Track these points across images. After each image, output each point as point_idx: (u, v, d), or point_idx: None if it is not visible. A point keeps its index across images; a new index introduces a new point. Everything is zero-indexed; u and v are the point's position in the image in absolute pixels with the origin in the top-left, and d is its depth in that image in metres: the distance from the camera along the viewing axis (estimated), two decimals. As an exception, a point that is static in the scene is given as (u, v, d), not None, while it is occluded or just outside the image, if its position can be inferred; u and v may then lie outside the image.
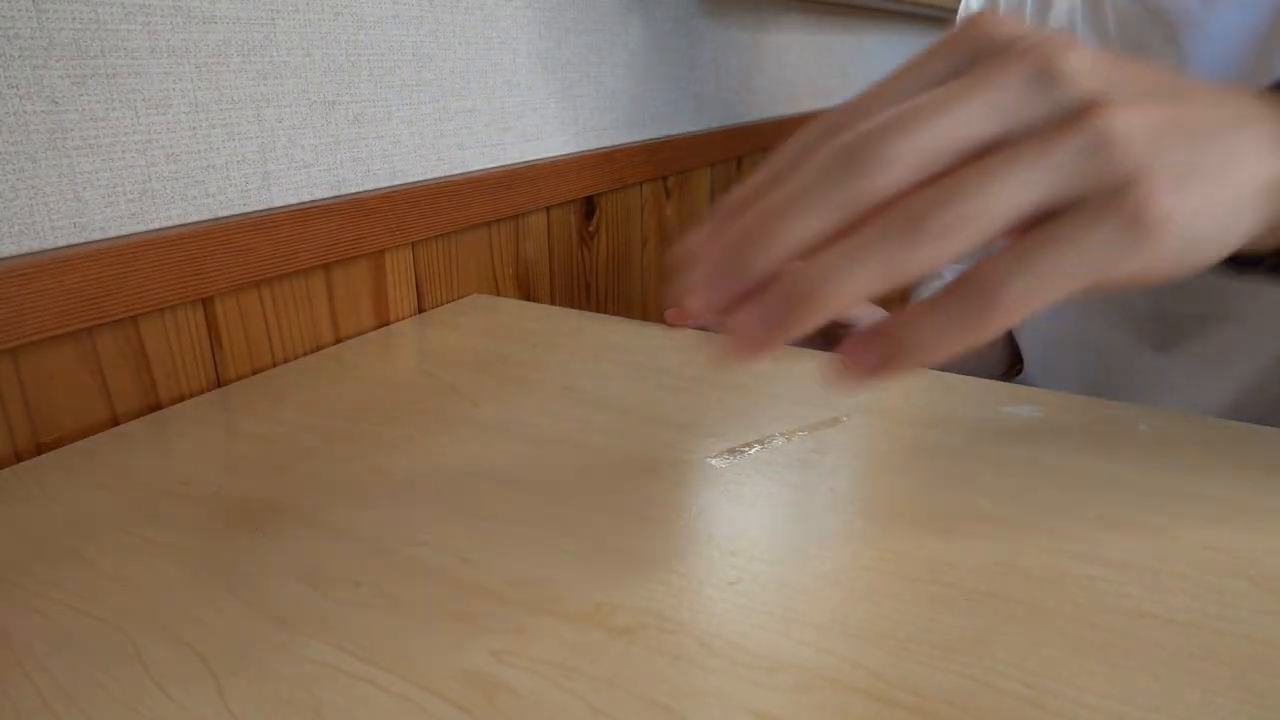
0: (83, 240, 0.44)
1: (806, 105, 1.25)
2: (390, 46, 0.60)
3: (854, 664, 0.26)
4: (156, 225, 0.48)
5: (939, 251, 0.21)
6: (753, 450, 0.40)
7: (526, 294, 0.76)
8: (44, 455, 0.42)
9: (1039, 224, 0.21)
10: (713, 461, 0.39)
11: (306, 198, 0.56)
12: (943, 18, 1.77)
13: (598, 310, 0.78)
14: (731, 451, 0.40)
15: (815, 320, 0.22)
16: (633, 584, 0.30)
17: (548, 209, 0.77)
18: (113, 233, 0.46)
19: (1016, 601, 0.29)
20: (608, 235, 0.86)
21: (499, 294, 0.72)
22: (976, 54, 0.23)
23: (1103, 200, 0.21)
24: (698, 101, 0.98)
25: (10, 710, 0.25)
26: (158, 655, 0.27)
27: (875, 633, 0.27)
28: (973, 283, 0.21)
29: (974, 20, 0.24)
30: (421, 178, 0.64)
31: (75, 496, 0.37)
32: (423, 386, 0.49)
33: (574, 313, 0.63)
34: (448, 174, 0.66)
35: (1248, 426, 0.41)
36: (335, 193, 0.58)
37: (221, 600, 0.30)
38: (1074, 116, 0.21)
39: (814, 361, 0.52)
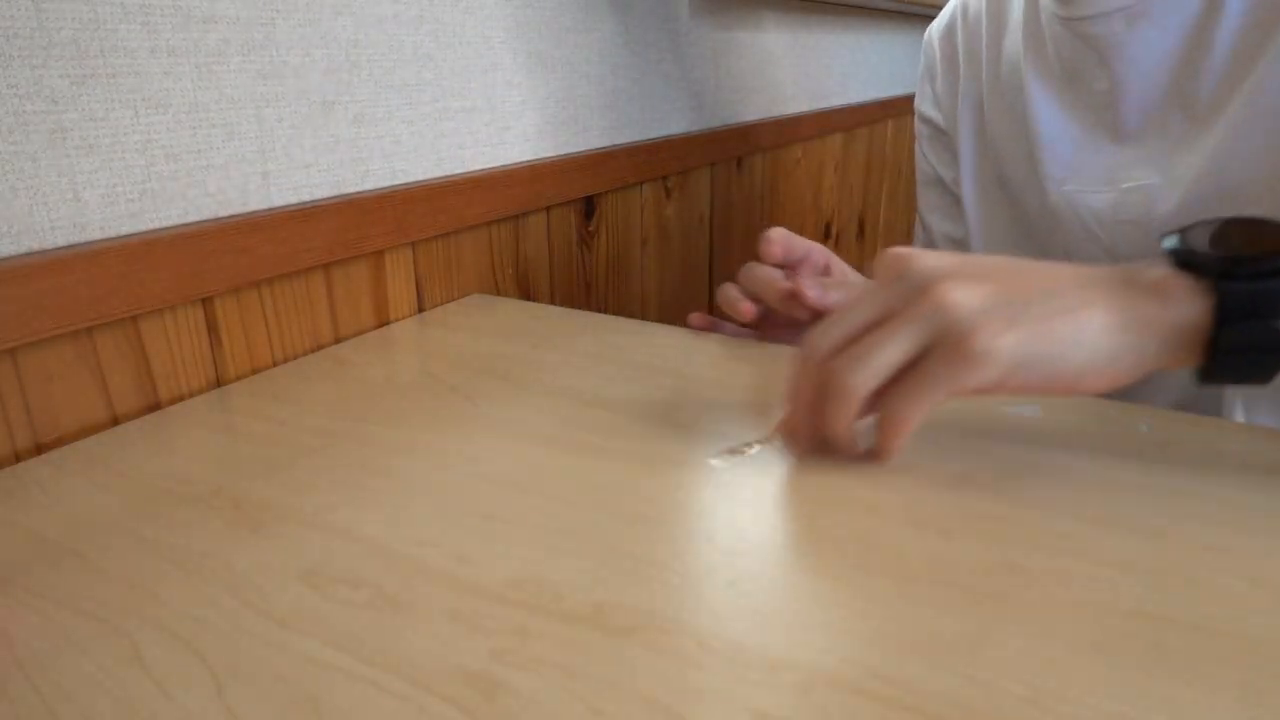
0: (83, 240, 0.44)
1: (806, 105, 1.25)
2: (390, 46, 0.59)
3: (854, 664, 0.26)
4: (156, 225, 0.48)
5: (855, 392, 0.35)
6: (753, 450, 0.40)
7: (526, 294, 0.76)
8: (44, 455, 0.42)
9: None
10: (713, 461, 0.39)
11: (306, 198, 0.56)
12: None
13: (598, 310, 0.78)
14: (731, 451, 0.40)
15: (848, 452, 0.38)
16: (633, 584, 0.30)
17: (548, 209, 0.77)
18: (113, 233, 0.46)
19: (1016, 601, 0.29)
20: (608, 235, 0.86)
21: (499, 294, 0.72)
22: (893, 279, 0.36)
23: (943, 343, 0.33)
24: (697, 101, 0.98)
25: (10, 710, 0.25)
26: (158, 655, 0.27)
27: (875, 633, 0.27)
28: (882, 409, 0.36)
29: (892, 260, 0.36)
30: (421, 178, 0.64)
31: (75, 496, 0.37)
32: (423, 386, 0.49)
33: (574, 313, 0.63)
34: (448, 174, 0.66)
35: (1247, 426, 0.41)
36: (335, 193, 0.58)
37: (221, 600, 0.30)
38: (920, 294, 0.34)
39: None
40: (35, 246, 0.43)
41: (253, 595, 0.30)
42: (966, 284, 0.34)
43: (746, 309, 0.54)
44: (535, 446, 0.41)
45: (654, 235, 0.93)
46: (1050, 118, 0.61)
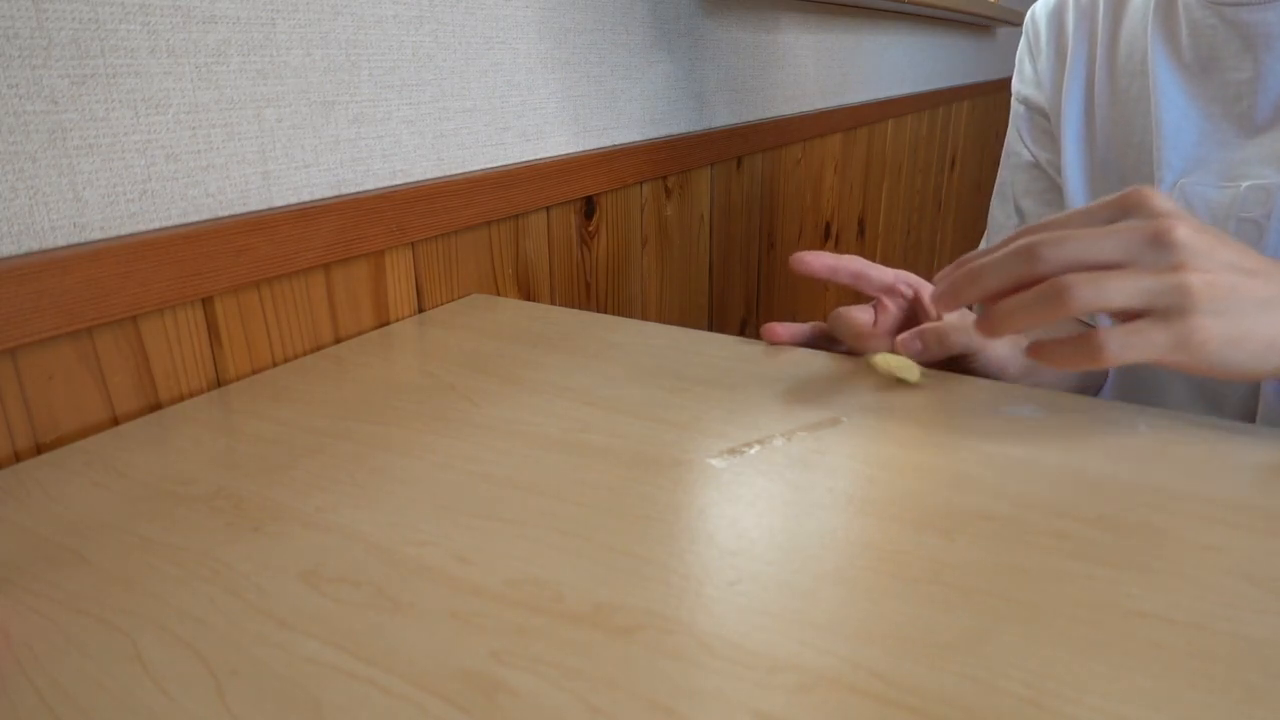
0: (83, 240, 0.44)
1: (807, 105, 1.25)
2: (390, 46, 0.60)
3: (854, 664, 0.26)
4: (156, 225, 0.48)
5: (1071, 310, 0.37)
6: (753, 450, 0.40)
7: (526, 294, 0.76)
8: (44, 455, 0.42)
9: (1131, 317, 0.38)
10: (713, 461, 0.39)
11: (306, 198, 0.56)
12: (943, 17, 1.78)
13: (598, 310, 0.78)
14: (731, 451, 0.40)
15: (1003, 334, 0.41)
16: (633, 584, 0.30)
17: (548, 209, 0.77)
18: (113, 233, 0.46)
19: (1016, 601, 0.29)
20: (608, 235, 0.86)
21: (499, 294, 0.72)
22: (1127, 211, 0.40)
23: (1172, 318, 0.37)
24: (698, 101, 0.98)
25: (10, 710, 0.25)
26: (158, 655, 0.27)
27: (875, 633, 0.27)
28: (1091, 336, 0.38)
29: (1136, 191, 0.40)
30: (421, 178, 0.64)
31: (75, 496, 0.37)
32: (422, 386, 0.49)
33: (574, 313, 0.63)
34: (448, 174, 0.66)
35: (1247, 426, 0.41)
36: (335, 193, 0.58)
37: (221, 600, 0.30)
38: (1172, 268, 0.37)
39: (814, 362, 0.52)
40: (35, 246, 0.43)
41: (253, 595, 0.30)
42: (1214, 274, 0.37)
43: (775, 331, 0.56)
44: (535, 446, 0.41)
45: (654, 235, 0.93)
46: (1176, 106, 0.60)
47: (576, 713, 0.24)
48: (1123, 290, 0.37)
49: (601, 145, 0.83)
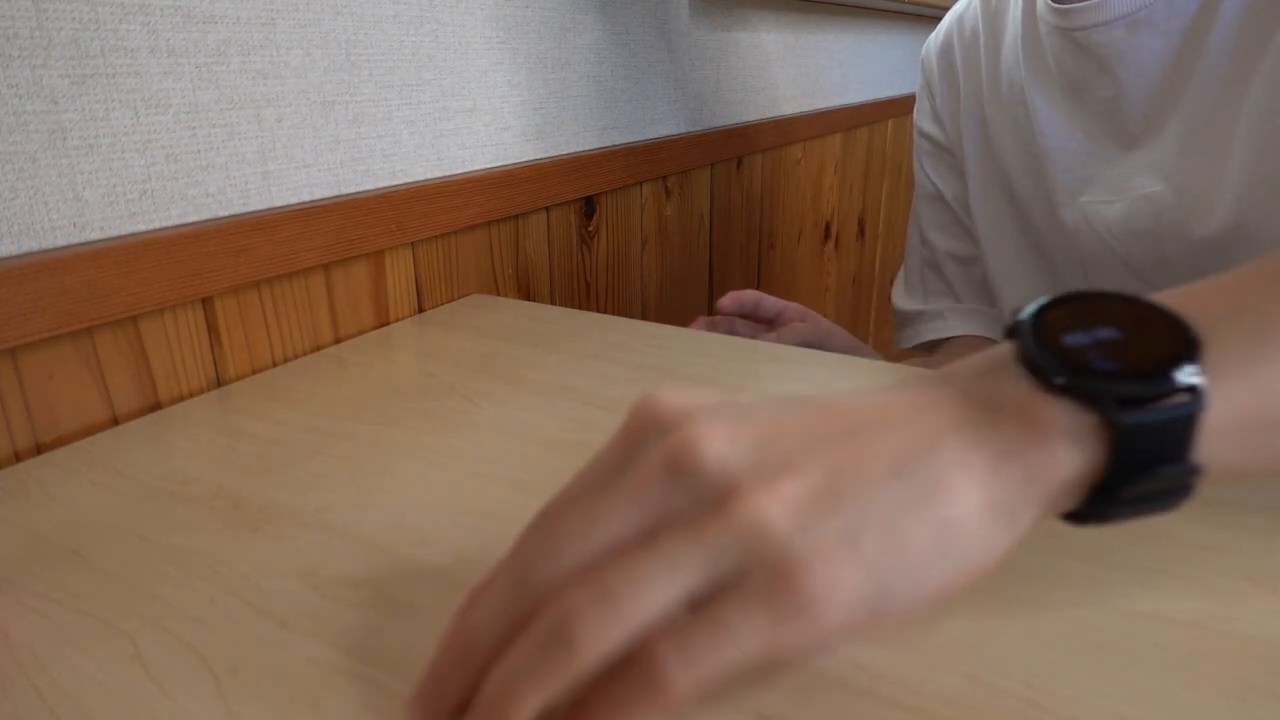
0: (83, 240, 0.44)
1: (806, 105, 1.25)
2: (390, 46, 0.60)
3: (854, 664, 0.26)
4: (156, 225, 0.48)
5: (589, 655, 0.21)
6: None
7: (526, 294, 0.76)
8: (44, 455, 0.42)
9: (700, 605, 0.21)
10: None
11: (306, 198, 0.56)
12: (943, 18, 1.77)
13: (598, 310, 0.78)
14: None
15: None
16: (633, 584, 0.30)
17: (548, 209, 0.77)
18: (113, 233, 0.46)
19: (1016, 601, 0.29)
20: (608, 235, 0.86)
21: (499, 294, 0.72)
22: (641, 438, 0.24)
23: (756, 583, 0.21)
24: (698, 101, 0.98)
25: (10, 710, 0.25)
26: (158, 655, 0.27)
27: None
28: (637, 668, 0.21)
29: (633, 409, 0.25)
30: (421, 178, 0.64)
31: (75, 496, 0.37)
32: (423, 386, 0.49)
33: (574, 313, 0.63)
34: (448, 174, 0.66)
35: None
36: (335, 193, 0.58)
37: (221, 600, 0.30)
38: (714, 507, 0.21)
39: (815, 363, 0.52)
40: (35, 246, 0.43)
41: (253, 595, 0.30)
42: (780, 484, 0.21)
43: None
44: (535, 446, 0.41)
45: (654, 235, 0.93)
46: (1056, 130, 0.61)
47: (576, 713, 0.24)
48: (656, 581, 0.21)
49: (601, 145, 0.83)
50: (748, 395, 0.46)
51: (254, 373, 0.53)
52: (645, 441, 0.23)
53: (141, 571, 0.32)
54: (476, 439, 0.42)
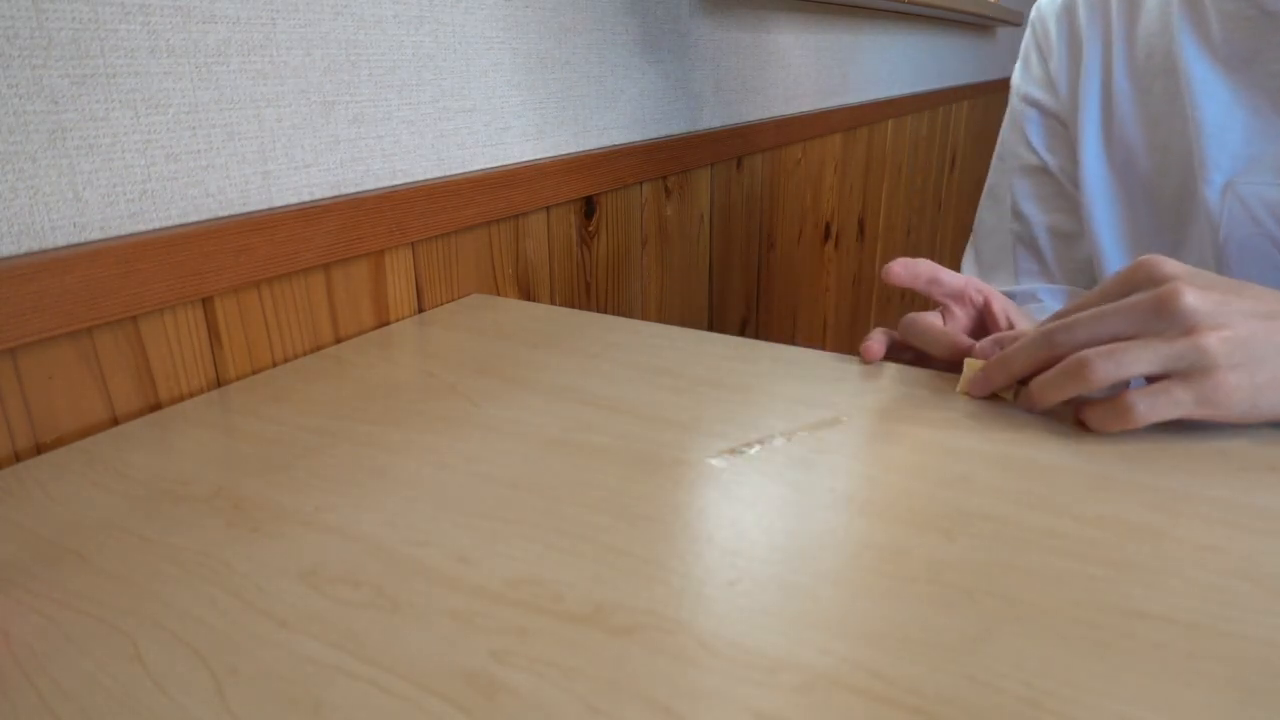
0: (83, 240, 0.44)
1: (806, 105, 1.25)
2: (390, 46, 0.60)
3: (854, 664, 0.26)
4: (156, 225, 0.48)
5: (1092, 382, 0.40)
6: (753, 450, 0.40)
7: (526, 294, 0.76)
8: (44, 455, 0.42)
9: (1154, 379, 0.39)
10: (713, 461, 0.39)
11: (306, 198, 0.56)
12: (943, 17, 1.78)
13: (598, 310, 0.78)
14: (731, 451, 0.40)
15: (1039, 410, 0.44)
16: (633, 584, 0.30)
17: (548, 209, 0.77)
18: (113, 233, 0.46)
19: (1016, 601, 0.29)
20: (608, 235, 0.86)
21: (499, 294, 0.72)
22: (1136, 284, 0.41)
23: (1193, 379, 0.38)
24: (698, 101, 0.98)
25: (10, 710, 0.25)
26: (158, 655, 0.27)
27: (875, 633, 0.27)
28: (1122, 400, 0.40)
29: (1140, 263, 0.41)
30: (421, 178, 0.64)
31: (75, 496, 0.37)
32: (423, 386, 0.49)
33: (574, 313, 0.63)
34: (448, 174, 0.66)
35: (1248, 426, 0.41)
36: (335, 193, 0.58)
37: (221, 600, 0.30)
38: (1182, 334, 0.38)
39: (814, 362, 0.52)
40: (35, 246, 0.43)
41: (253, 595, 0.30)
42: (1229, 328, 0.38)
43: (872, 349, 0.52)
44: (535, 446, 0.41)
45: (654, 235, 0.93)
46: (1218, 103, 0.57)
47: (576, 713, 0.24)
48: (1139, 359, 0.39)
49: (601, 145, 0.83)
50: (748, 395, 0.47)
51: (254, 373, 0.53)
52: (1141, 285, 0.40)
53: (141, 571, 0.32)
54: (476, 439, 0.42)
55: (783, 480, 0.37)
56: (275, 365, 0.54)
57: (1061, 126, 0.70)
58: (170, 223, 0.48)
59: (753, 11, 1.07)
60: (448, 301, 0.67)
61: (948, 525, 0.33)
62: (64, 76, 0.42)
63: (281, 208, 0.54)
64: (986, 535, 0.33)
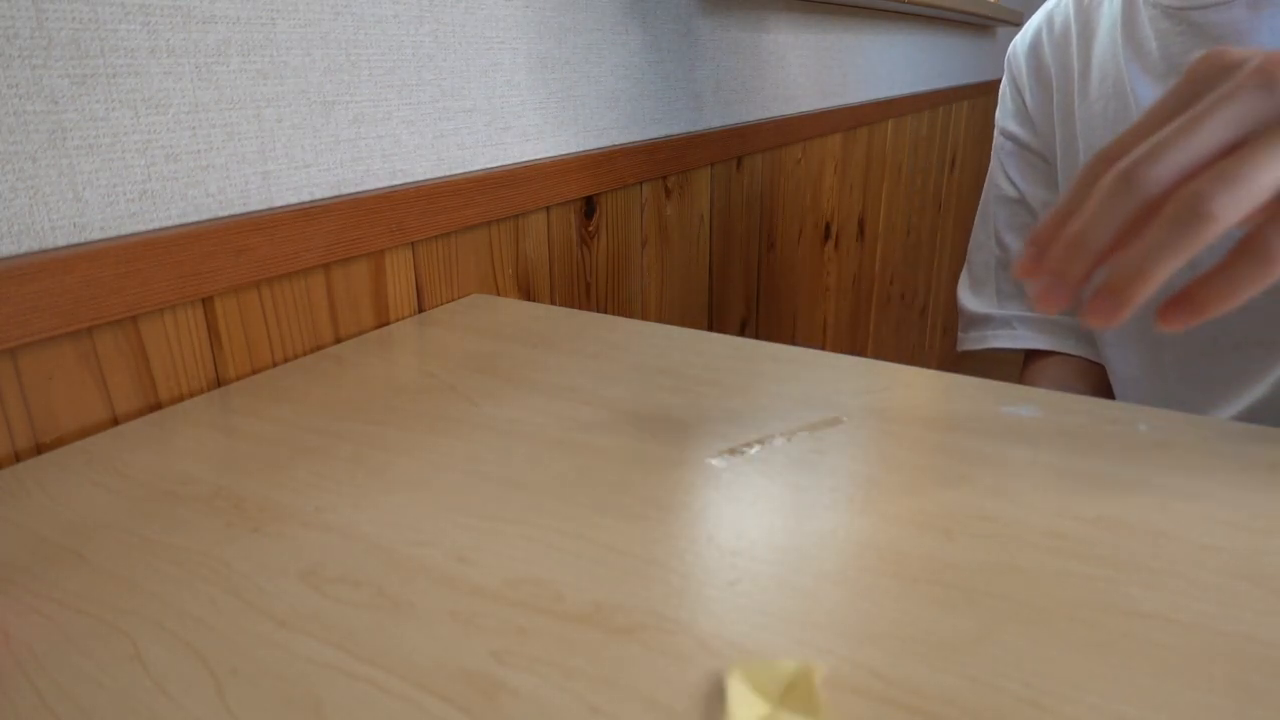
0: (83, 240, 0.44)
1: (806, 105, 1.25)
2: (390, 46, 0.60)
3: (854, 664, 0.26)
4: (156, 225, 0.48)
5: (1220, 224, 0.28)
6: (753, 450, 0.40)
7: (526, 294, 0.76)
8: (44, 455, 0.42)
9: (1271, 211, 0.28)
10: (713, 461, 0.39)
11: (306, 198, 0.56)
12: (943, 17, 1.78)
13: (598, 310, 0.78)
14: (731, 451, 0.40)
15: (1141, 295, 0.29)
16: (633, 584, 0.30)
17: (548, 209, 0.77)
18: (113, 233, 0.46)
19: (1016, 601, 0.29)
20: (608, 235, 0.86)
21: (499, 294, 0.72)
22: (1211, 80, 0.30)
23: None
24: (698, 101, 0.98)
25: (10, 710, 0.25)
26: (158, 655, 0.27)
27: (875, 633, 0.27)
28: (1249, 248, 0.29)
29: (1204, 56, 0.31)
30: (421, 178, 0.64)
31: (75, 496, 0.37)
32: (423, 386, 0.49)
33: (574, 313, 0.63)
34: (448, 174, 0.66)
35: (1247, 426, 0.41)
36: (335, 193, 0.58)
37: (221, 600, 0.30)
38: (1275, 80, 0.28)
39: (814, 362, 0.52)
40: (35, 246, 0.43)
41: (253, 595, 0.30)
42: None
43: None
44: (535, 446, 0.41)
45: (654, 235, 0.93)
46: None
47: (576, 713, 0.24)
48: (1266, 163, 0.28)
49: (601, 145, 0.83)
50: (748, 395, 0.47)
51: (254, 373, 0.53)
52: (1219, 76, 0.30)
53: (141, 571, 0.32)
54: (476, 439, 0.42)
55: (783, 480, 0.37)
56: (275, 365, 0.54)
57: (1041, 160, 0.72)
58: (170, 223, 0.48)
59: (753, 11, 1.07)
60: (448, 301, 0.67)
61: (948, 525, 0.33)
62: (64, 76, 0.42)
63: (281, 208, 0.54)
64: (986, 535, 0.33)
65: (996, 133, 0.76)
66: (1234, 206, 0.28)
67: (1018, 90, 0.73)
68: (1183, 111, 0.30)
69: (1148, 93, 0.59)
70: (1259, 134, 0.28)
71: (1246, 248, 0.29)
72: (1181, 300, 0.30)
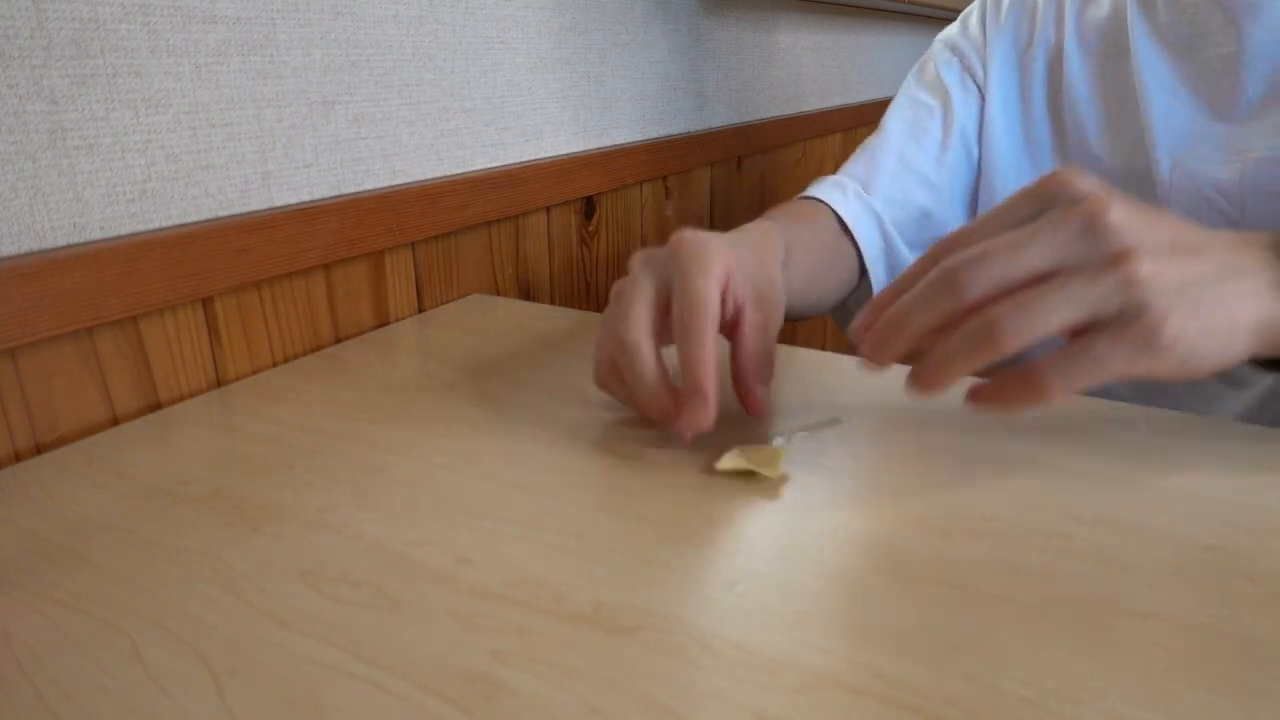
0: (83, 240, 0.44)
1: (806, 105, 1.25)
2: (390, 46, 0.60)
3: (854, 664, 0.26)
4: (156, 225, 0.48)
5: (1005, 349, 0.32)
6: (753, 450, 0.40)
7: (526, 294, 0.76)
8: (44, 455, 0.42)
9: (1079, 333, 0.32)
10: (713, 462, 0.39)
11: (306, 198, 0.56)
12: (943, 17, 1.77)
13: (598, 310, 0.78)
14: (732, 452, 0.40)
15: (943, 389, 0.35)
16: (633, 584, 0.30)
17: (548, 209, 0.77)
18: (113, 233, 0.46)
19: (1016, 601, 0.29)
20: (608, 235, 0.86)
21: (499, 294, 0.72)
22: (1053, 200, 0.33)
23: (1126, 324, 0.31)
24: (698, 101, 0.98)
25: (10, 710, 0.25)
26: (158, 655, 0.27)
27: (875, 633, 0.27)
28: (1031, 372, 0.33)
29: (1058, 173, 0.34)
30: (421, 178, 0.64)
31: (75, 496, 0.37)
32: (423, 386, 0.49)
33: (574, 313, 0.63)
34: (448, 174, 0.66)
35: (1246, 426, 0.41)
36: (335, 193, 0.58)
37: (221, 600, 0.30)
38: (1111, 262, 0.31)
39: (814, 362, 0.52)
40: (35, 246, 0.43)
41: (253, 595, 0.30)
42: (1159, 259, 0.31)
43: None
44: (535, 446, 0.41)
45: (654, 235, 0.93)
46: (1165, 87, 0.58)
47: (576, 713, 0.24)
48: (1060, 307, 0.31)
49: (601, 145, 0.83)
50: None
51: (254, 373, 0.53)
52: (1057, 199, 0.33)
53: (141, 571, 0.32)
54: (476, 439, 0.42)
55: (783, 481, 0.37)
56: (275, 365, 0.54)
57: (975, 87, 0.69)
58: (170, 223, 0.48)
59: (753, 11, 1.07)
60: (448, 301, 0.67)
61: (948, 525, 0.33)
62: (64, 76, 0.42)
63: (281, 208, 0.54)
64: (986, 535, 0.33)
65: (940, 46, 0.72)
66: (1020, 338, 0.31)
67: (985, 24, 0.70)
68: (1024, 221, 0.33)
69: (1154, 60, 0.58)
70: (1065, 273, 0.31)
71: (1019, 378, 0.33)
72: (930, 378, 0.35)
